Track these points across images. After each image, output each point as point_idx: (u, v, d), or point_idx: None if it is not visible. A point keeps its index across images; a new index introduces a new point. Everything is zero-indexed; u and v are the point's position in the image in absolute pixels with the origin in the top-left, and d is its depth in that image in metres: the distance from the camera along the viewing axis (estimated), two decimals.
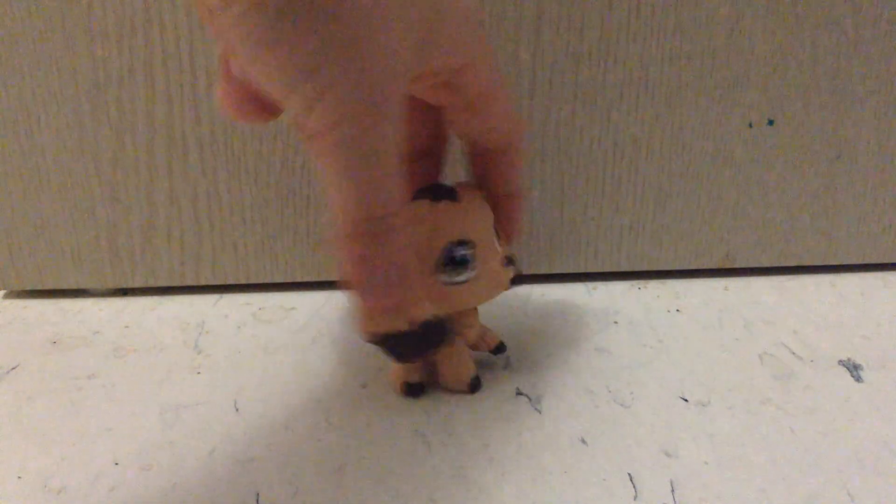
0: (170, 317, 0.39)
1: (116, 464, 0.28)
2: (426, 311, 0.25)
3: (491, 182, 0.30)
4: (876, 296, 0.40)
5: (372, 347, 0.33)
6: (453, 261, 0.27)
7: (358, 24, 0.21)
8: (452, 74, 0.26)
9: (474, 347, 0.32)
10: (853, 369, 0.33)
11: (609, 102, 0.38)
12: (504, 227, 0.31)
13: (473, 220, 0.29)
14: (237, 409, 0.31)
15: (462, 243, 0.28)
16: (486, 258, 0.28)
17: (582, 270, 0.41)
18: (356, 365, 0.34)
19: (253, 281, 0.40)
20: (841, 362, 0.34)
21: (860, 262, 0.42)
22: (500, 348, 0.33)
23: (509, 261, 0.29)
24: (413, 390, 0.31)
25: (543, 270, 0.41)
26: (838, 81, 0.38)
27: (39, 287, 0.40)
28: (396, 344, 0.26)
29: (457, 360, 0.31)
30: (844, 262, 0.42)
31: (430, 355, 0.28)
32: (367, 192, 0.22)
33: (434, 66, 0.25)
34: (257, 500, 0.26)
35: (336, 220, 0.23)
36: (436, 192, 0.29)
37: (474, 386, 0.31)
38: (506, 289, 0.30)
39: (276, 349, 0.35)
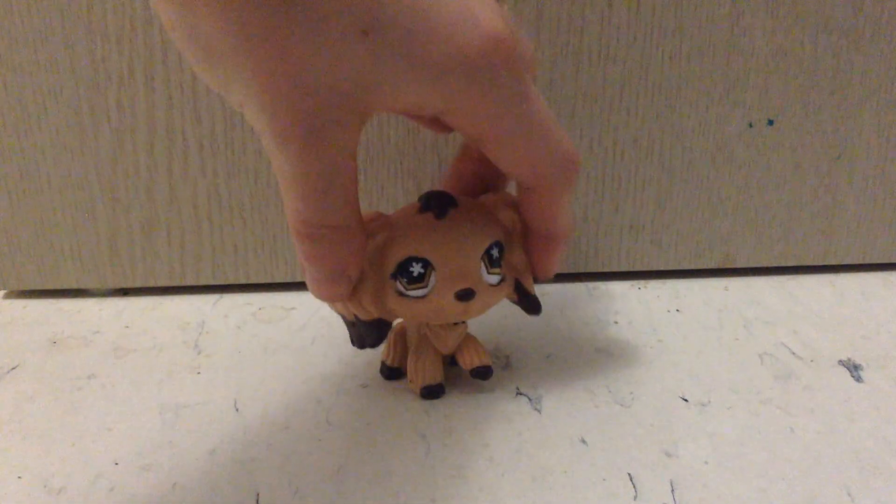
0: (170, 317, 0.39)
1: (116, 464, 0.28)
2: (368, 312, 0.28)
3: (522, 214, 0.29)
4: (876, 296, 0.40)
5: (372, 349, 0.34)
6: (408, 274, 0.27)
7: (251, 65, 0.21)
8: (441, 114, 0.24)
9: (457, 361, 0.32)
10: (853, 369, 0.33)
11: (609, 102, 0.38)
12: (530, 262, 0.30)
13: (443, 241, 0.28)
14: (237, 409, 0.31)
15: (418, 260, 0.27)
16: (443, 283, 0.28)
17: (582, 270, 0.42)
18: (356, 365, 0.34)
19: (253, 281, 0.40)
20: (841, 362, 0.34)
21: (860, 262, 0.42)
22: (478, 371, 0.31)
23: (463, 295, 0.27)
24: (388, 372, 0.33)
25: None
26: (838, 81, 0.38)
27: (39, 287, 0.40)
28: (348, 328, 0.30)
29: (420, 365, 0.31)
30: (844, 262, 0.42)
31: (365, 348, 0.30)
32: (301, 203, 0.24)
33: (395, 106, 0.23)
34: (257, 500, 0.26)
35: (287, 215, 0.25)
36: (427, 202, 0.28)
37: (426, 394, 0.31)
38: (463, 318, 0.29)
39: (276, 349, 0.35)
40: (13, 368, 0.34)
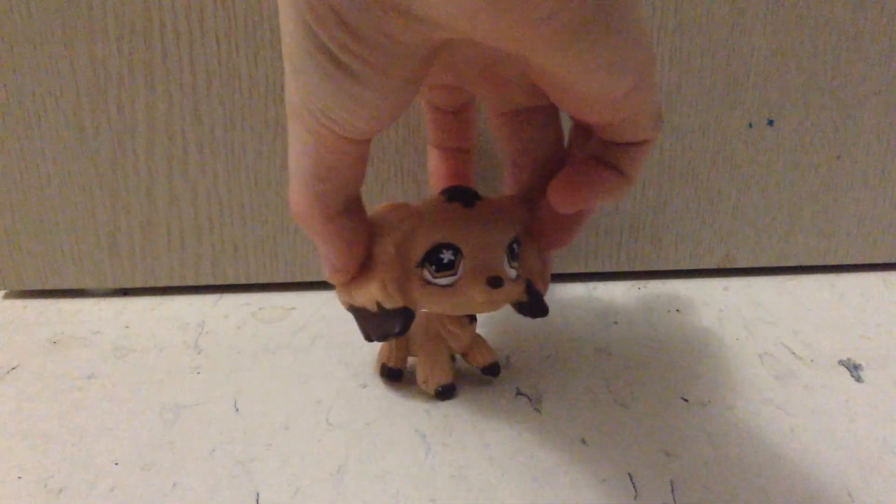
0: (170, 317, 0.39)
1: (116, 464, 0.28)
2: (392, 299, 0.27)
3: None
4: (876, 296, 0.40)
5: (372, 348, 0.34)
6: (437, 261, 0.27)
7: None
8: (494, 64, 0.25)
9: (467, 360, 0.32)
10: (853, 369, 0.33)
11: None
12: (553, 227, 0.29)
13: (472, 229, 0.27)
14: (237, 409, 0.31)
15: (449, 247, 0.27)
16: (470, 272, 0.27)
17: (582, 270, 0.41)
18: (356, 365, 0.34)
19: (253, 281, 0.40)
20: (841, 362, 0.34)
21: (860, 262, 0.42)
22: (490, 369, 0.32)
23: (493, 282, 0.27)
24: (389, 374, 0.32)
25: None
26: (838, 81, 0.38)
27: (39, 287, 0.40)
28: (359, 318, 0.28)
29: (431, 364, 0.31)
30: (844, 262, 0.42)
31: (387, 340, 0.29)
32: (297, 185, 0.24)
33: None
34: (257, 500, 0.26)
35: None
36: (453, 193, 0.28)
37: (441, 394, 0.31)
38: (487, 310, 0.29)
39: (276, 349, 0.35)
40: (13, 368, 0.34)
